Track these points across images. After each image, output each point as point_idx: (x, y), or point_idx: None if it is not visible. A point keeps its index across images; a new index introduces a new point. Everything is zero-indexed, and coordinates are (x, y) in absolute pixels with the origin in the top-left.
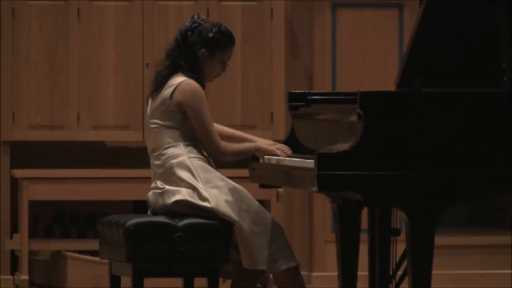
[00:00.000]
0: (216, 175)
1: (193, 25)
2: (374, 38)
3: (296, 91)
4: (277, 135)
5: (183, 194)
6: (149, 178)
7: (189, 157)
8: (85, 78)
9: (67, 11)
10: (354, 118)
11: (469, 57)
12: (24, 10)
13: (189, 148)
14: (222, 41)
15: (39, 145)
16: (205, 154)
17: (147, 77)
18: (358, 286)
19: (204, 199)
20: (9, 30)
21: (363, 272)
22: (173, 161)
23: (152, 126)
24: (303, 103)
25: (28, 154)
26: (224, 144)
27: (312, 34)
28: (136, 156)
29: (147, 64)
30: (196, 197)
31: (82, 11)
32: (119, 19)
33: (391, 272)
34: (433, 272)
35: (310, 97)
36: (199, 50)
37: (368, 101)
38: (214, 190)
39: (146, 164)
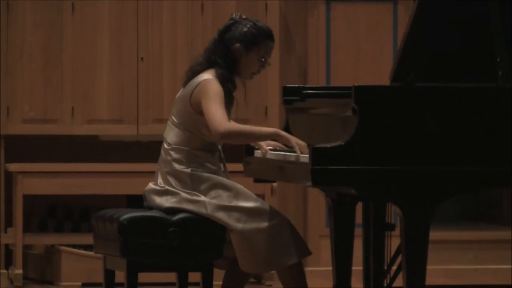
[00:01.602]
0: (215, 182)
1: (230, 23)
2: (368, 33)
3: (291, 85)
4: None
5: (179, 199)
6: (144, 172)
7: (189, 167)
8: (79, 72)
9: (61, 6)
10: (348, 112)
11: (463, 52)
12: (19, 5)
13: (192, 156)
14: (258, 35)
15: (34, 139)
16: (211, 160)
17: (141, 71)
18: (352, 281)
19: (200, 206)
20: (4, 24)
21: (357, 267)
22: (175, 167)
23: (171, 116)
24: (297, 98)
25: (23, 148)
26: (231, 123)
27: (306, 29)
28: (131, 150)
29: (142, 58)
30: (192, 204)
31: (76, 5)
32: (113, 13)
33: (385, 267)
34: (428, 267)
35: (304, 91)
36: (234, 45)
37: (363, 95)
38: (213, 200)
39: (141, 158)
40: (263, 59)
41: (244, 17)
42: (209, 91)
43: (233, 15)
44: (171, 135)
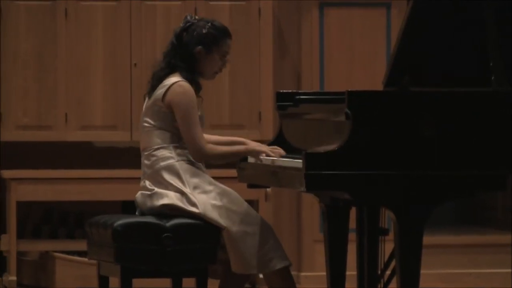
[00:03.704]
0: (204, 179)
1: (186, 25)
2: (362, 37)
3: (284, 90)
4: (265, 134)
5: (171, 198)
6: (137, 178)
7: (178, 160)
8: (73, 78)
9: (54, 11)
10: (342, 117)
11: (456, 56)
12: (12, 10)
13: (179, 150)
14: (217, 35)
15: (27, 146)
16: None
17: (135, 77)
18: (346, 286)
19: (192, 204)
20: None
21: (351, 271)
22: (162, 163)
23: (145, 125)
24: (291, 103)
25: (16, 154)
26: (210, 147)
27: (299, 34)
28: (124, 156)
29: (135, 64)
30: (184, 201)
31: (70, 11)
32: (107, 19)
33: (379, 272)
34: (422, 271)
35: (298, 96)
36: (195, 48)
37: (356, 100)
38: (202, 195)
39: (134, 164)
40: (224, 58)
41: (197, 17)
42: (183, 103)
43: (188, 17)
44: (152, 139)
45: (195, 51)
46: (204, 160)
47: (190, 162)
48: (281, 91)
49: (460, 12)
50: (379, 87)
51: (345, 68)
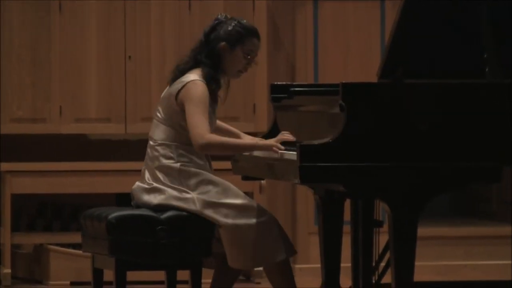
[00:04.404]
0: (203, 178)
1: (215, 23)
2: (356, 30)
3: (279, 83)
4: (260, 127)
5: (168, 196)
6: (132, 170)
7: (178, 161)
8: (67, 71)
9: (49, 5)
10: (336, 109)
11: (451, 48)
12: (6, 5)
13: (180, 151)
14: (242, 32)
15: (22, 139)
16: (198, 153)
17: (129, 70)
18: (341, 278)
19: (189, 202)
20: None
21: (346, 263)
22: (164, 162)
23: (156, 113)
24: (285, 95)
25: (11, 147)
26: (211, 135)
27: (294, 26)
28: (119, 149)
29: (129, 57)
30: (181, 200)
31: (64, 5)
32: (101, 12)
33: (374, 264)
34: (416, 263)
35: (292, 89)
36: (220, 43)
37: (350, 92)
38: (201, 195)
39: (129, 157)
40: (248, 57)
41: (229, 17)
42: (194, 97)
43: (219, 16)
44: (158, 132)
45: (219, 47)
46: (205, 150)
47: (190, 163)
48: (276, 83)
49: (453, 4)
50: (373, 79)
51: (339, 61)
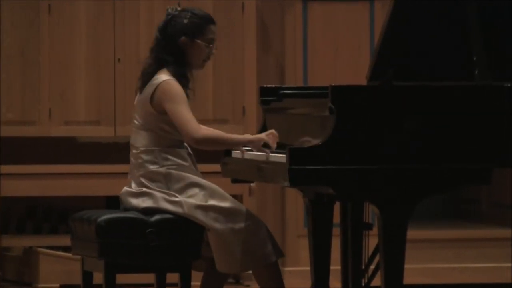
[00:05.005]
0: (190, 182)
1: (168, 18)
2: (346, 31)
3: (268, 85)
4: (249, 129)
5: (156, 199)
6: (121, 173)
7: (163, 166)
8: (57, 73)
9: (38, 6)
10: (325, 112)
11: (440, 50)
12: None
13: (164, 155)
14: (199, 23)
15: (11, 141)
16: (182, 156)
17: (119, 72)
18: (330, 281)
19: (177, 205)
20: None
21: (335, 266)
22: (148, 168)
23: (134, 121)
24: (274, 98)
25: (0, 149)
26: (205, 128)
27: (283, 28)
28: (108, 152)
29: (119, 59)
30: (169, 203)
31: (53, 6)
32: (90, 14)
33: (363, 267)
34: (406, 266)
35: (281, 91)
36: (179, 39)
37: (340, 95)
38: (189, 199)
39: (118, 160)
40: (210, 45)
41: (180, 8)
42: (173, 96)
43: (169, 9)
44: (139, 139)
45: (179, 42)
46: (201, 144)
47: (175, 166)
48: (265, 86)
49: (443, 7)
50: (363, 81)
51: (329, 62)
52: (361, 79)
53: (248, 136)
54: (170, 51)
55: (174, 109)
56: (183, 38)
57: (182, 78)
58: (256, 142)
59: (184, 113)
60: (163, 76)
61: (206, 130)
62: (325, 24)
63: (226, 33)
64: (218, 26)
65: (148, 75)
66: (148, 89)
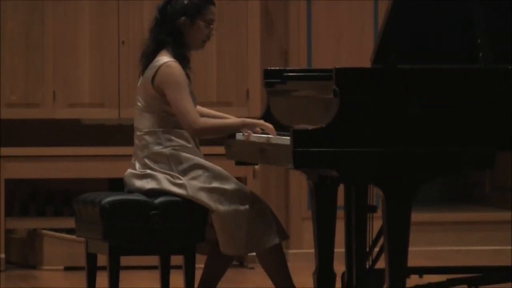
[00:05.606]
0: (194, 163)
1: None
2: (349, 15)
3: (272, 68)
4: (253, 112)
5: (160, 181)
6: (125, 155)
7: (166, 147)
8: (61, 56)
9: None
10: (330, 94)
11: (444, 33)
12: None
13: (167, 136)
14: (199, 3)
15: (15, 123)
16: (186, 137)
17: (123, 55)
18: (335, 263)
19: (181, 187)
20: None
21: (339, 249)
22: (153, 149)
23: (137, 103)
24: (278, 80)
25: (4, 132)
26: (203, 120)
27: (287, 12)
28: (112, 134)
29: (123, 42)
30: (173, 184)
31: None
32: None
33: (367, 249)
34: (410, 249)
35: (285, 74)
36: (179, 19)
37: (344, 77)
38: (192, 181)
39: (122, 142)
40: (210, 25)
41: None
42: (172, 81)
43: None
44: (142, 120)
45: (179, 22)
46: (200, 135)
47: (179, 147)
48: (269, 68)
49: None
50: (367, 64)
51: (333, 46)
52: (365, 63)
53: (243, 119)
54: (170, 32)
55: (174, 97)
56: (182, 18)
57: (182, 59)
58: (250, 126)
59: (183, 103)
60: (164, 58)
61: (204, 122)
62: (329, 7)
63: (230, 16)
64: (222, 10)
65: (147, 56)
66: (150, 71)
